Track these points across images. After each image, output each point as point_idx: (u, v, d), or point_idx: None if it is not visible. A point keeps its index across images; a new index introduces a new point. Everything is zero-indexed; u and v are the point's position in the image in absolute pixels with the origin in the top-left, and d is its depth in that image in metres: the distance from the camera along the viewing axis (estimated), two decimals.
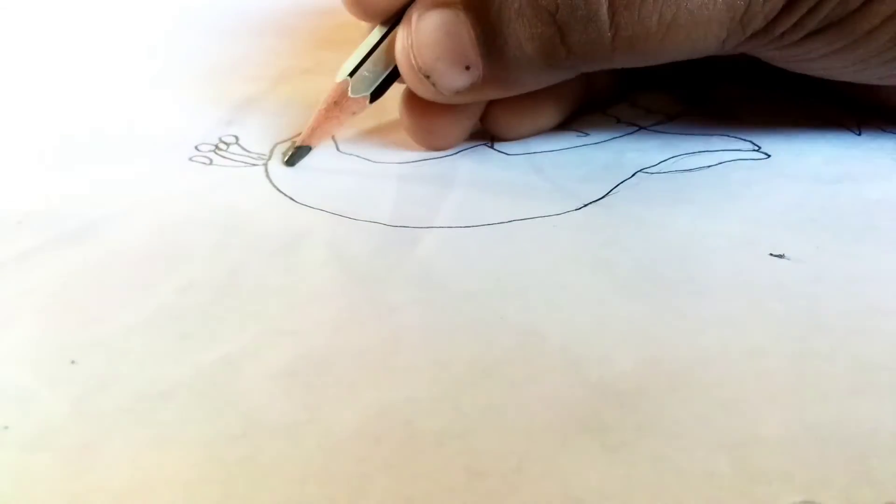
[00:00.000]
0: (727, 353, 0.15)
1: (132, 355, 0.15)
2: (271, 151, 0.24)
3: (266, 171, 0.23)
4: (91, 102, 0.28)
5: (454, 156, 0.23)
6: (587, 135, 0.24)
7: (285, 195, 0.21)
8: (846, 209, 0.19)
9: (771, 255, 0.18)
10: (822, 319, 0.16)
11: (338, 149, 0.24)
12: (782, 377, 0.14)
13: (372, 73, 0.22)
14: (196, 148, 0.24)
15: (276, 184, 0.22)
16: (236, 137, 0.25)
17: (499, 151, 0.23)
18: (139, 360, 0.15)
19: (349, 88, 0.22)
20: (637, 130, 0.24)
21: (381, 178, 0.22)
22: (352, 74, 0.22)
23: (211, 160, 0.24)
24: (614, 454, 0.13)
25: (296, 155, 0.23)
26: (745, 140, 0.23)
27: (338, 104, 0.22)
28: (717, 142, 0.23)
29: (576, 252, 0.18)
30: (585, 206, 0.20)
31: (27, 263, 0.19)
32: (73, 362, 0.15)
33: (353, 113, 0.22)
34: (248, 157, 0.24)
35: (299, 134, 0.23)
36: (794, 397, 0.14)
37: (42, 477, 0.13)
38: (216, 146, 0.24)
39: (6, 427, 0.14)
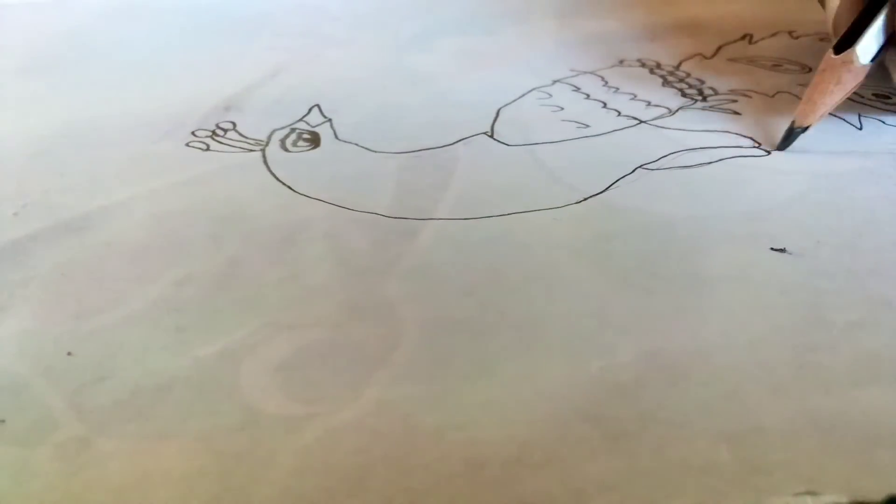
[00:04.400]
0: (728, 345, 0.15)
1: (129, 348, 0.15)
2: (269, 138, 0.24)
3: (264, 157, 0.23)
4: (88, 90, 0.28)
5: (454, 146, 0.23)
6: (588, 127, 0.24)
7: (283, 184, 0.21)
8: (846, 204, 0.19)
9: (772, 249, 0.18)
10: (823, 312, 0.16)
11: (336, 136, 0.24)
12: (784, 369, 0.14)
13: (875, 41, 0.21)
14: (193, 133, 0.24)
15: (274, 171, 0.22)
16: (234, 123, 0.25)
17: (499, 142, 0.23)
18: (136, 352, 0.15)
19: (856, 58, 0.21)
20: (638, 124, 0.24)
21: (380, 167, 0.22)
22: (847, 47, 0.21)
23: (208, 146, 0.23)
24: (615, 444, 0.13)
25: (790, 137, 0.22)
26: (745, 136, 0.23)
27: (838, 80, 0.21)
28: (718, 138, 0.23)
29: (576, 245, 0.18)
30: (586, 199, 0.20)
31: (23, 254, 0.18)
32: (69, 354, 0.15)
33: (854, 85, 0.21)
34: (246, 142, 0.24)
35: (298, 120, 0.22)
36: (795, 388, 0.14)
37: (39, 472, 0.13)
38: (213, 132, 0.24)
39: (2, 421, 0.14)
